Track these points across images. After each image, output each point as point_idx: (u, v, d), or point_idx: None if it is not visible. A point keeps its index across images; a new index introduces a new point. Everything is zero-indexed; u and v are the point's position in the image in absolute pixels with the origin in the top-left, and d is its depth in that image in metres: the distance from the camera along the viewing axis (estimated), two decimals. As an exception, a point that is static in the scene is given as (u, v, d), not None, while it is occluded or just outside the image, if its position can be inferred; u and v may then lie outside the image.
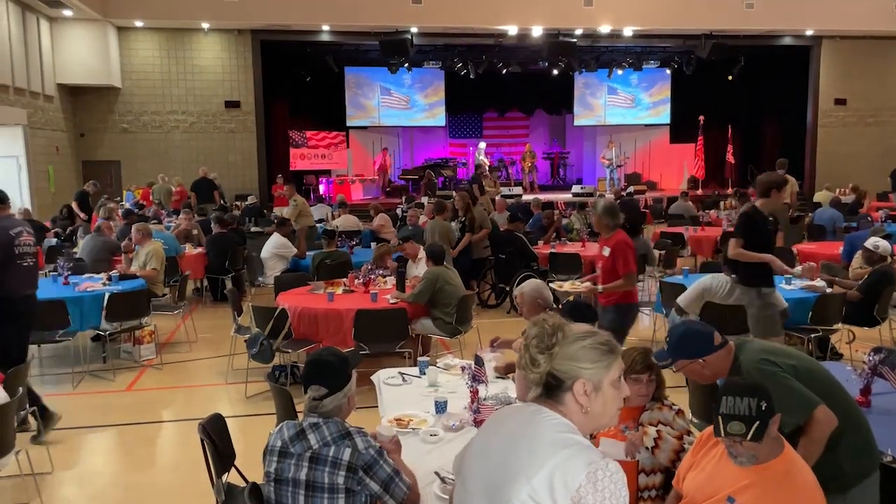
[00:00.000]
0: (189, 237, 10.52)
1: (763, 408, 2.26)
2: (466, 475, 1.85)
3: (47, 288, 7.20)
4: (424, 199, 16.83)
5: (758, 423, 2.25)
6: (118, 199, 15.56)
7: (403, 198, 16.98)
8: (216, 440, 3.27)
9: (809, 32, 18.73)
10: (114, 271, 7.67)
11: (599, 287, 5.30)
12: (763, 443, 2.28)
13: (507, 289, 9.01)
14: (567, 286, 5.68)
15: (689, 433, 2.92)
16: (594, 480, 1.60)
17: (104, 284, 7.22)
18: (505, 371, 4.18)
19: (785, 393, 2.57)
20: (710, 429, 2.49)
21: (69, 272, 7.49)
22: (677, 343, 2.79)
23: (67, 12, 15.45)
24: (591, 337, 1.81)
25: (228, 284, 9.19)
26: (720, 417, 2.31)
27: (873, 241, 6.85)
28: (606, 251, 5.34)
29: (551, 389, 1.78)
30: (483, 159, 20.84)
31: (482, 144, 21.28)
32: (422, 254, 7.33)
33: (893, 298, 7.03)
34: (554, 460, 1.64)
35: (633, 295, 5.44)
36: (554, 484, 1.61)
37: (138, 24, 16.86)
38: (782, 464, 2.31)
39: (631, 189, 19.11)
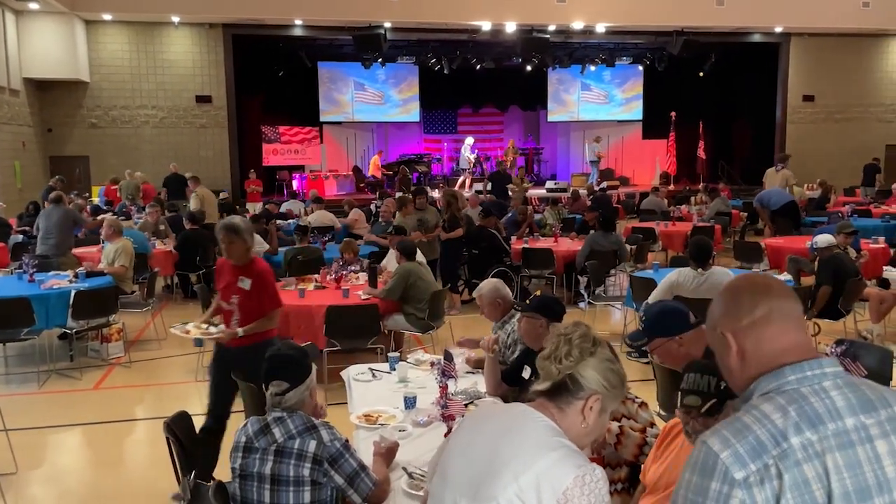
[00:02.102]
0: (156, 232, 10.40)
1: (722, 387, 2.26)
2: (448, 470, 1.84)
3: (12, 286, 7.09)
4: (398, 195, 16.80)
5: (714, 400, 2.26)
6: (86, 195, 15.32)
7: (377, 193, 16.93)
8: (182, 438, 3.24)
9: (779, 29, 18.98)
10: (80, 268, 7.56)
11: (239, 331, 4.19)
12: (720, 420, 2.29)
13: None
14: (195, 332, 4.47)
15: (652, 425, 2.94)
16: (581, 484, 1.62)
17: (70, 282, 7.11)
18: (475, 364, 4.20)
19: None
20: (674, 421, 2.51)
21: (34, 269, 7.35)
22: (654, 320, 2.76)
23: (34, 5, 15.15)
24: (617, 364, 1.86)
25: (195, 282, 9.09)
26: (680, 392, 2.33)
27: (815, 238, 7.15)
28: (245, 283, 4.21)
29: (562, 391, 1.79)
30: (469, 156, 20.85)
31: (469, 140, 21.25)
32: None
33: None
34: (543, 462, 1.65)
35: (273, 330, 4.41)
36: (541, 485, 1.62)
37: (106, 17, 16.59)
38: None
39: (605, 185, 19.25)
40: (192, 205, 11.51)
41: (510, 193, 14.62)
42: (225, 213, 13.14)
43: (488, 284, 4.42)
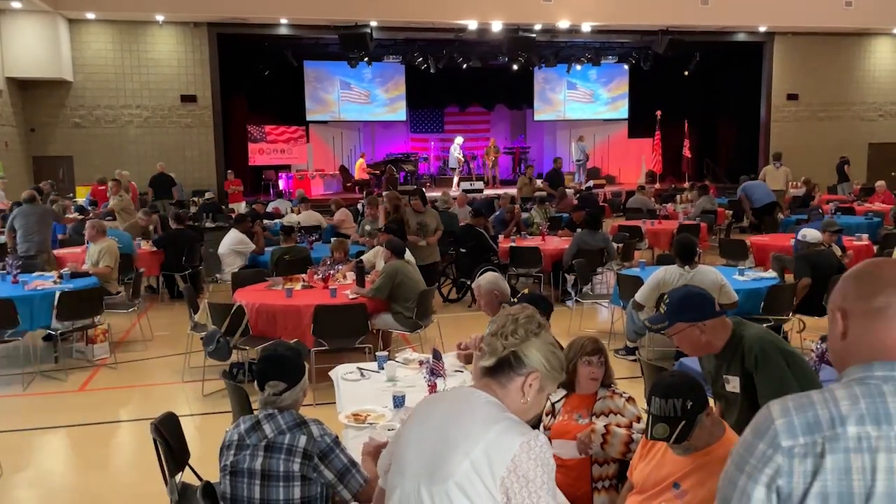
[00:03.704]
0: (146, 234, 10.33)
1: (689, 406, 2.31)
2: (403, 461, 1.88)
3: (-5, 287, 7.01)
4: (385, 194, 16.80)
5: (683, 423, 2.30)
6: (70, 195, 15.19)
7: (364, 192, 16.92)
8: (169, 439, 3.22)
9: (763, 29, 19.12)
10: (65, 269, 7.49)
11: None
12: (693, 437, 2.32)
13: (468, 283, 9.04)
14: None
15: (639, 419, 2.97)
16: (528, 450, 1.70)
17: (55, 283, 7.05)
18: (466, 360, 4.20)
19: (785, 380, 2.60)
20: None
21: (18, 270, 7.29)
22: (679, 304, 2.71)
23: (16, 4, 15.00)
24: (558, 349, 1.96)
25: (181, 282, 9.04)
26: (650, 417, 2.36)
27: (802, 232, 7.19)
28: None
29: (504, 367, 1.87)
30: (459, 156, 20.85)
31: (459, 139, 21.25)
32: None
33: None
34: (489, 434, 1.73)
35: None
36: (491, 455, 1.70)
37: (90, 16, 16.44)
38: (723, 447, 2.36)
39: (591, 184, 19.32)
40: (114, 204, 11.41)
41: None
42: (210, 214, 13.09)
43: (488, 277, 4.42)
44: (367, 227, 9.76)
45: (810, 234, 7.05)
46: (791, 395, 1.38)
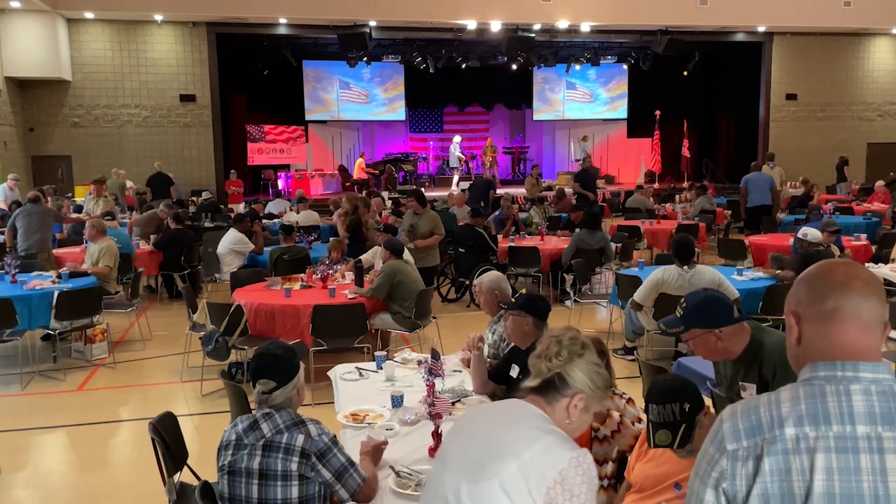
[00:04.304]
0: (160, 228, 10.33)
1: (686, 409, 2.31)
2: (447, 456, 1.94)
3: (-6, 286, 7.00)
4: (385, 194, 16.79)
5: (684, 426, 2.31)
6: (69, 195, 15.17)
7: (364, 192, 16.89)
8: (167, 439, 3.22)
9: (762, 29, 19.12)
10: (64, 269, 7.49)
11: None
12: (695, 437, 2.33)
13: (467, 283, 9.04)
14: None
15: (639, 420, 2.96)
16: (576, 465, 1.76)
17: (53, 282, 7.04)
18: (466, 364, 4.20)
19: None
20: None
21: (17, 270, 7.28)
22: (696, 309, 2.63)
23: (15, 3, 14.99)
24: (602, 368, 1.99)
25: (180, 282, 9.03)
26: (650, 425, 2.37)
27: (803, 230, 7.17)
28: None
29: (550, 388, 1.93)
30: (459, 154, 20.84)
31: (457, 138, 21.24)
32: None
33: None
34: (541, 443, 1.78)
35: None
36: (540, 464, 1.74)
37: (89, 15, 16.43)
38: None
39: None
40: (103, 207, 11.50)
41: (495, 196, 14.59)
42: (209, 214, 13.09)
43: (489, 276, 4.42)
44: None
45: (811, 233, 7.05)
46: (743, 400, 1.41)
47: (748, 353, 2.70)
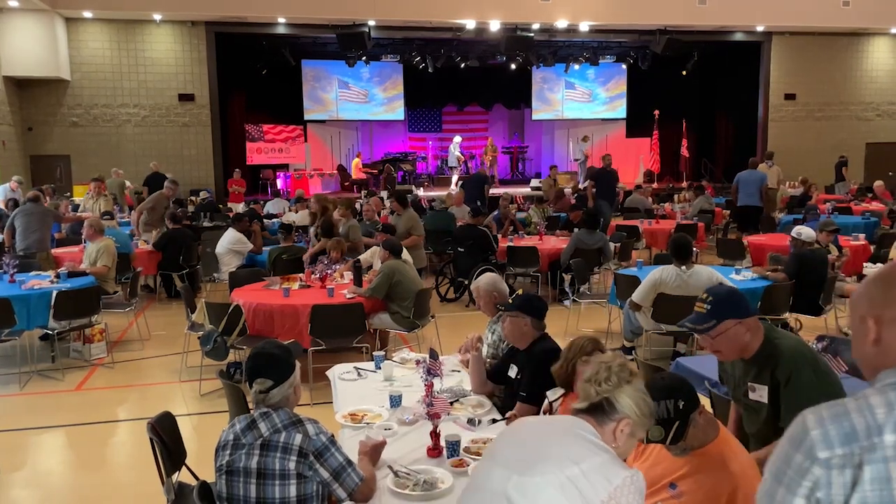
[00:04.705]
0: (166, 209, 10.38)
1: (681, 407, 2.32)
2: (497, 453, 2.01)
3: (-8, 286, 7.00)
4: (384, 194, 16.79)
5: (677, 423, 2.32)
6: (67, 194, 15.17)
7: (363, 192, 16.90)
8: (165, 439, 3.22)
9: (760, 28, 19.13)
10: (62, 268, 7.48)
11: None
12: (688, 436, 2.34)
13: (466, 283, 9.04)
14: None
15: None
16: (629, 484, 1.83)
17: (52, 282, 7.03)
18: (465, 365, 4.19)
19: (825, 389, 2.55)
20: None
21: (15, 270, 7.27)
22: (726, 301, 2.59)
23: (13, 2, 14.98)
24: (649, 396, 2.10)
25: (178, 282, 9.02)
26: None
27: (797, 229, 7.19)
28: None
29: (597, 412, 2.01)
30: (459, 154, 20.83)
31: (457, 138, 21.24)
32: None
33: (837, 288, 7.27)
34: (598, 458, 1.85)
35: None
36: (594, 477, 1.80)
37: (87, 14, 16.42)
38: (717, 447, 2.37)
39: (587, 184, 19.26)
40: (103, 207, 11.58)
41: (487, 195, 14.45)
42: (207, 213, 13.08)
43: (486, 278, 4.42)
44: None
45: (805, 232, 7.06)
46: (825, 404, 1.35)
47: (762, 354, 2.68)
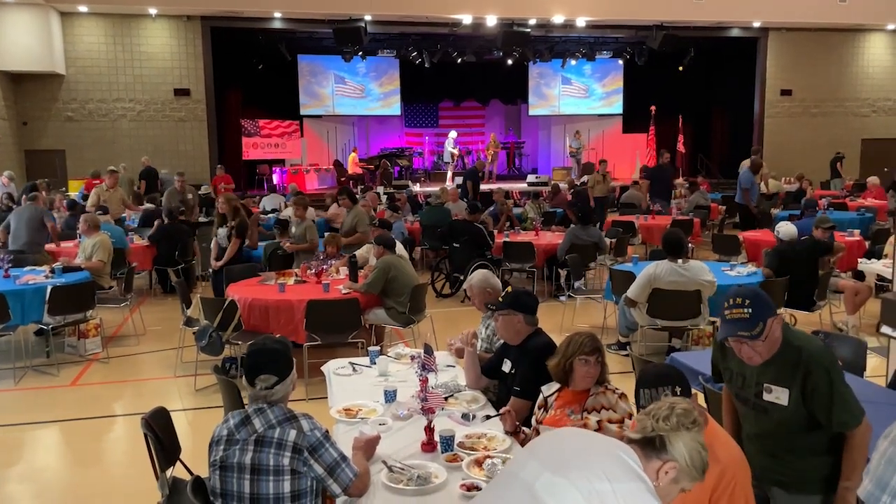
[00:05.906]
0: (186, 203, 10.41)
1: (678, 394, 2.32)
2: (539, 447, 1.97)
3: (-13, 281, 6.98)
4: (380, 189, 16.78)
5: None
6: (63, 189, 15.12)
7: (360, 188, 16.89)
8: (160, 434, 3.22)
9: (757, 24, 19.13)
10: (57, 263, 7.46)
11: None
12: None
13: (462, 278, 9.04)
14: None
15: (630, 416, 2.97)
16: None
17: (47, 277, 7.02)
18: (458, 354, 4.18)
19: (845, 390, 2.51)
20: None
21: (10, 265, 7.26)
22: (762, 297, 2.47)
23: (7, -4, 14.92)
24: (705, 452, 2.01)
25: (174, 277, 9.00)
26: (639, 410, 2.37)
27: (777, 227, 7.28)
28: None
29: (649, 446, 1.96)
30: (453, 150, 20.80)
31: (453, 133, 21.20)
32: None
33: (832, 284, 7.29)
34: (635, 484, 1.78)
35: None
36: (625, 499, 1.73)
37: (82, 9, 16.35)
38: (706, 438, 2.37)
39: (585, 178, 19.29)
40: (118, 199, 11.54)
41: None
42: (203, 208, 13.06)
43: (479, 275, 4.43)
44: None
45: (783, 230, 7.12)
46: None
47: (783, 355, 2.56)
